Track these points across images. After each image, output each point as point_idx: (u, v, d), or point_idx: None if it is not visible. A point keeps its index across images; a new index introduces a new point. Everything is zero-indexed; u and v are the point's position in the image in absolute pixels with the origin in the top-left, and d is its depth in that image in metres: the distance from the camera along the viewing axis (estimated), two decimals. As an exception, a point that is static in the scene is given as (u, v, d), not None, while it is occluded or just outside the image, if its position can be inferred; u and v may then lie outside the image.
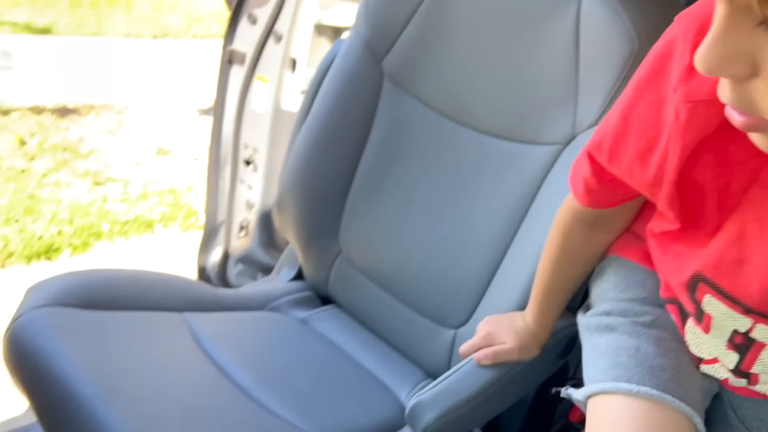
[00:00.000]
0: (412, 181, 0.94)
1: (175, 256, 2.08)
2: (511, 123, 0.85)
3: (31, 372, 0.70)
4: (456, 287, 0.88)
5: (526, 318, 0.72)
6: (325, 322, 1.02)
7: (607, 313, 0.61)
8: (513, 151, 0.84)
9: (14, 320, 0.75)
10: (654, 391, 0.54)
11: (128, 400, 0.67)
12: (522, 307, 0.76)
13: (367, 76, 0.97)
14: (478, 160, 0.88)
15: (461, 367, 0.69)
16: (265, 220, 1.54)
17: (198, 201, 2.49)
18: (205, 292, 0.95)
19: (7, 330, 0.75)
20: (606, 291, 0.63)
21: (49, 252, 1.94)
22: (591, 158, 0.55)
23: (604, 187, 0.57)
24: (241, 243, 1.58)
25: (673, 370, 0.56)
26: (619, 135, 0.52)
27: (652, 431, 0.53)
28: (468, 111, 0.90)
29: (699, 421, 0.55)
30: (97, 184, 2.46)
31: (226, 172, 1.51)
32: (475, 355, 0.69)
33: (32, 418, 0.75)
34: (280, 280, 1.12)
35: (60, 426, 0.66)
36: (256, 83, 1.37)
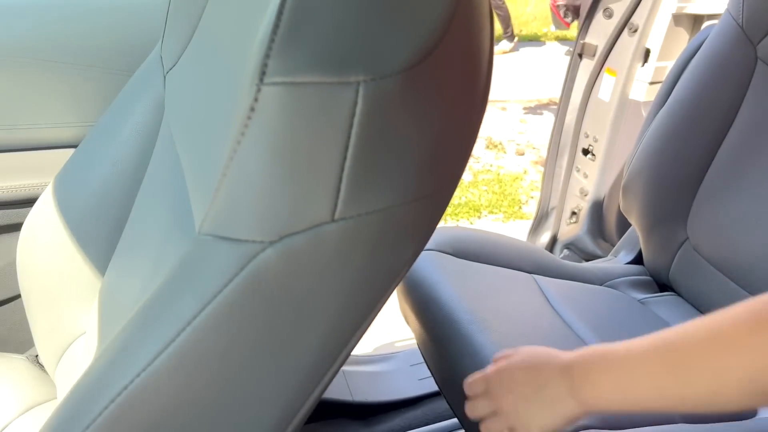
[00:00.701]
0: (784, 169, 0.89)
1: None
2: None
3: (421, 297, 0.88)
4: (830, 286, 0.81)
5: None
6: (664, 307, 1.02)
7: None
8: None
9: (406, 258, 0.95)
10: None
11: (496, 329, 0.79)
12: None
13: (739, 61, 0.94)
14: None
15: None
16: (596, 209, 1.57)
17: (522, 192, 2.63)
18: (551, 260, 1.05)
19: (401, 265, 0.95)
20: None
21: (397, 224, 2.28)
22: None
23: None
24: (570, 229, 1.64)
25: None
26: None
27: None
28: None
29: None
30: (436, 170, 2.78)
31: (564, 160, 1.59)
32: None
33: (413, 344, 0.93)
34: (618, 262, 1.16)
35: (442, 342, 0.82)
36: (604, 76, 1.41)
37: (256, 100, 0.32)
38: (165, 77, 0.66)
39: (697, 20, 1.36)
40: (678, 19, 1.34)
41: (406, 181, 0.35)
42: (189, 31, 0.60)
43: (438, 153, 0.36)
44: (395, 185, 0.35)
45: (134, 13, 0.92)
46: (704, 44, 0.99)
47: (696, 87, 0.97)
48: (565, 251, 1.67)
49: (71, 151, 0.95)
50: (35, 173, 0.90)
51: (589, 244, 1.60)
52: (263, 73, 0.32)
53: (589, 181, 1.55)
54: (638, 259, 1.14)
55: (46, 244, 0.70)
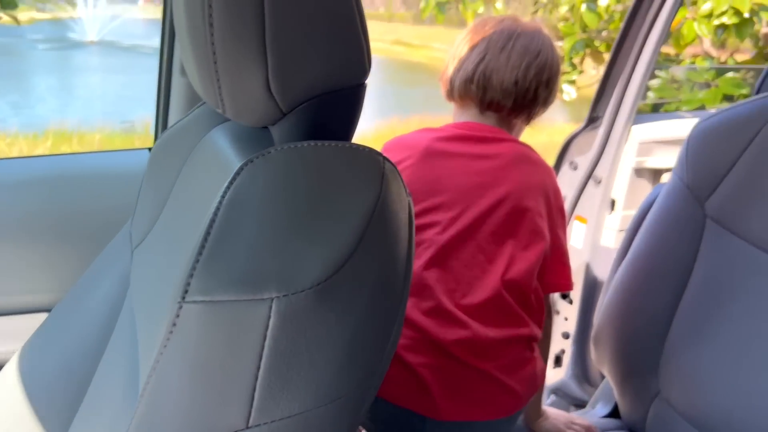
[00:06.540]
0: (747, 324, 0.90)
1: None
2: None
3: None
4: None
5: None
6: (642, 464, 1.00)
7: None
8: None
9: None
10: None
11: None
12: None
13: (688, 218, 0.99)
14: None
15: None
16: (580, 353, 1.57)
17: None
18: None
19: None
20: None
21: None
22: None
23: None
24: (554, 374, 1.62)
25: None
26: None
27: None
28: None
29: None
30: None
31: (543, 304, 1.61)
32: None
33: None
34: (594, 415, 1.14)
35: None
36: (575, 223, 1.48)
37: (177, 316, 0.35)
38: (132, 253, 0.70)
39: (656, 174, 1.44)
40: (639, 172, 1.43)
41: (321, 386, 0.38)
42: (157, 211, 0.65)
43: (353, 355, 0.39)
44: (309, 391, 0.37)
45: (113, 183, 0.98)
46: (655, 202, 1.05)
47: (651, 243, 1.02)
48: (552, 397, 1.64)
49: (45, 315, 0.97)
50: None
51: (576, 390, 1.58)
52: (186, 292, 0.35)
53: (569, 324, 1.56)
54: (615, 411, 1.12)
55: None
